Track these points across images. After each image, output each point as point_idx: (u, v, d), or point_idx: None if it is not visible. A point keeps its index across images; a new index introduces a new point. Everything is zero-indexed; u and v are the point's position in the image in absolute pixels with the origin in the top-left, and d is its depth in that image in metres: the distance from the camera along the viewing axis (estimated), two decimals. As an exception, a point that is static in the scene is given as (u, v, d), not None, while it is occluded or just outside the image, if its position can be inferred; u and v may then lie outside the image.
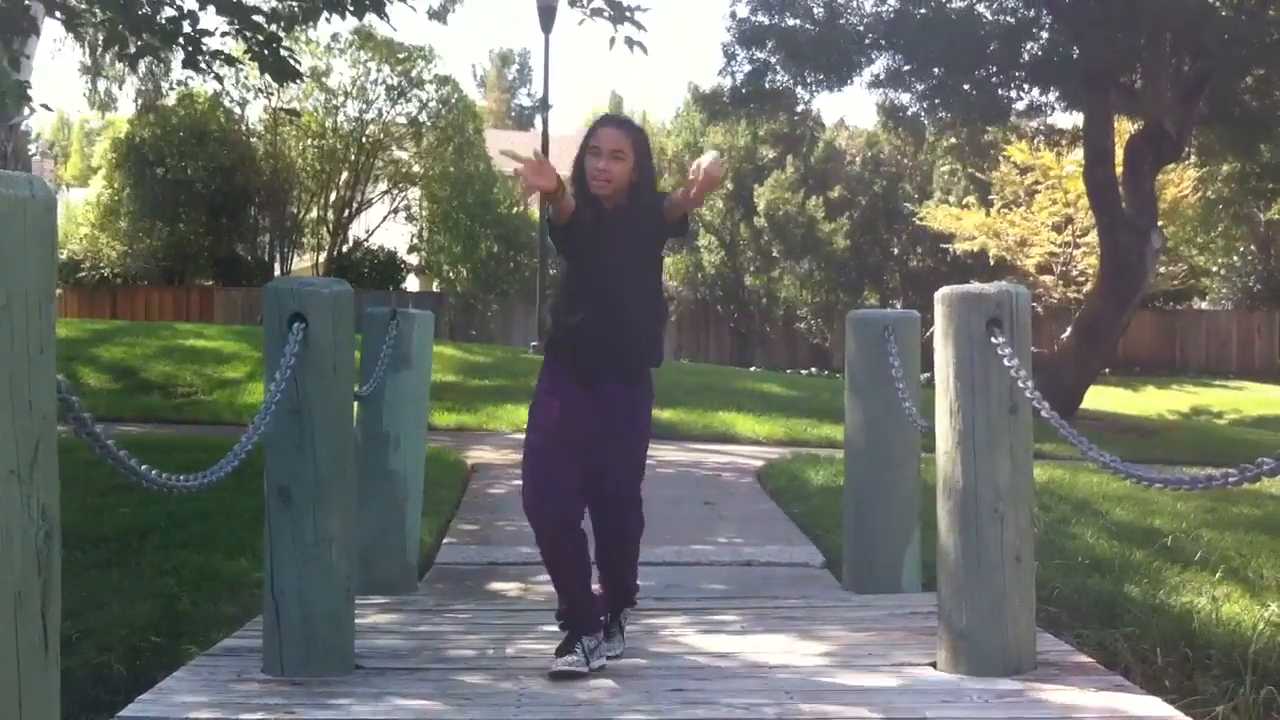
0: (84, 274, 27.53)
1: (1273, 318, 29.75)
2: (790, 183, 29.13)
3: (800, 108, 16.84)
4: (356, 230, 29.70)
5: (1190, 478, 2.99)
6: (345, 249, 28.89)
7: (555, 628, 4.35)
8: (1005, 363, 3.70)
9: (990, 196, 26.20)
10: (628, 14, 10.19)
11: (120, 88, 27.95)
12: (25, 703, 2.13)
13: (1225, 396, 24.40)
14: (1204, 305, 32.60)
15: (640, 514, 4.20)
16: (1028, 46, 14.55)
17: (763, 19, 14.88)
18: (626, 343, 4.02)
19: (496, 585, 5.73)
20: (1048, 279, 24.89)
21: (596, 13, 10.19)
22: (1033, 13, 14.49)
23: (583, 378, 4.01)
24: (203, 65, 10.26)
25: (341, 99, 28.03)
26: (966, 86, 14.25)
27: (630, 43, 10.19)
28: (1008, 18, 14.64)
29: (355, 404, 4.44)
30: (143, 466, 2.67)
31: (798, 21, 14.72)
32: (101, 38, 10.53)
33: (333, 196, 28.81)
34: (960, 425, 3.84)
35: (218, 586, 5.22)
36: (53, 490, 2.21)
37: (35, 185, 2.17)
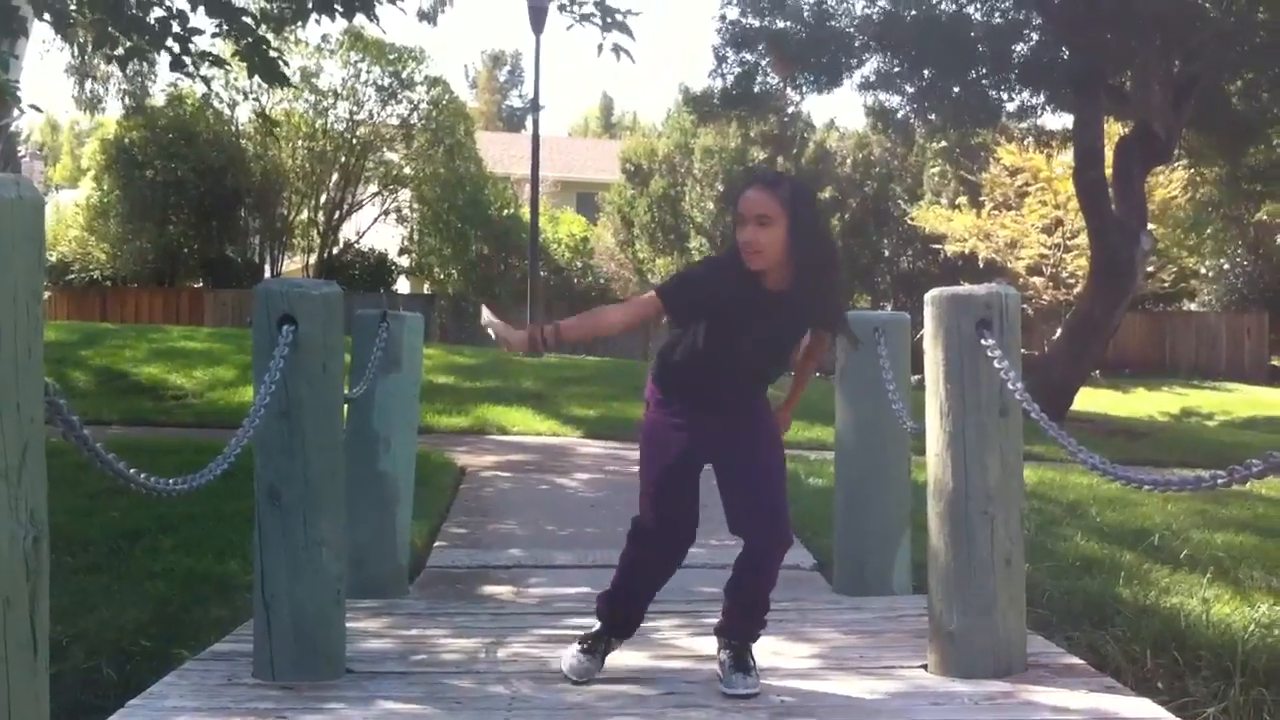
0: (73, 276, 27.51)
1: (1262, 319, 29.81)
2: (781, 184, 29.15)
3: (790, 109, 16.89)
4: (347, 232, 29.70)
5: (1179, 479, 2.99)
6: (336, 251, 28.88)
7: (547, 631, 4.37)
8: (995, 364, 3.70)
9: (980, 198, 26.27)
10: (616, 17, 10.18)
11: (105, 90, 27.94)
12: (14, 707, 2.12)
13: (1214, 398, 24.46)
14: (1193, 307, 32.67)
15: (782, 554, 3.84)
16: (1017, 48, 14.59)
17: (753, 21, 14.91)
18: (748, 398, 3.83)
19: (488, 588, 5.72)
20: (1038, 281, 24.95)
21: (585, 18, 10.17)
22: (1022, 14, 14.52)
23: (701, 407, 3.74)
24: (189, 67, 10.24)
25: (332, 100, 28.04)
26: (956, 88, 14.30)
27: (618, 51, 10.18)
28: (997, 19, 14.67)
29: (345, 406, 4.43)
30: (131, 470, 2.66)
31: (788, 24, 14.75)
32: (90, 39, 10.50)
33: (323, 198, 28.80)
34: (950, 427, 3.84)
35: (208, 590, 5.21)
36: (41, 493, 2.20)
37: (23, 186, 2.16)
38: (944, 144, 24.52)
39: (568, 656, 3.89)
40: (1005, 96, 14.91)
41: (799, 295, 3.61)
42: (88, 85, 27.76)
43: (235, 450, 3.32)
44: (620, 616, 3.92)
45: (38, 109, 11.11)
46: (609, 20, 10.03)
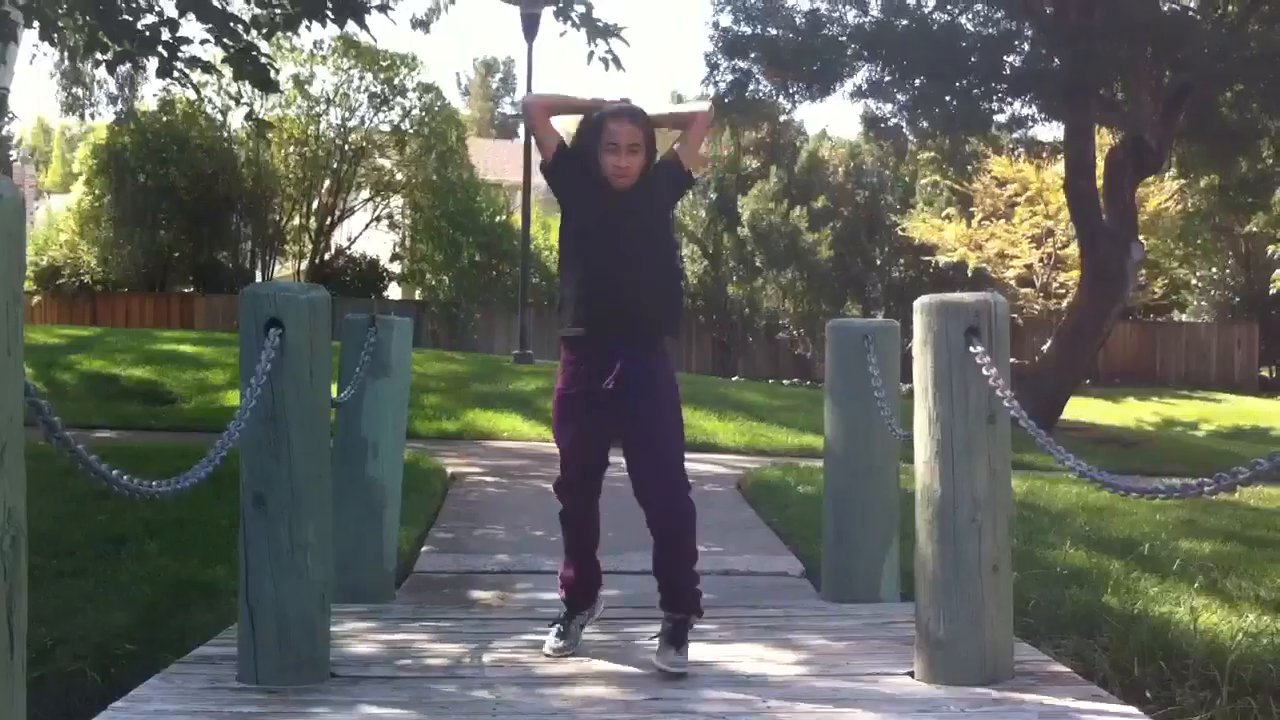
0: (64, 280, 27.42)
1: (1252, 330, 29.89)
2: (774, 193, 29.17)
3: (783, 118, 16.90)
4: (339, 238, 29.64)
5: (1166, 487, 2.99)
6: (327, 257, 28.83)
7: (532, 636, 4.37)
8: (984, 372, 3.70)
9: (971, 209, 26.30)
10: (609, 31, 10.20)
11: (91, 97, 27.87)
12: (-9, 709, 2.11)
13: (1204, 408, 24.50)
14: (1184, 318, 32.74)
15: (690, 499, 4.14)
16: (1009, 58, 14.59)
17: (745, 29, 14.90)
18: (639, 307, 4.06)
19: (474, 593, 5.71)
20: (1028, 291, 24.99)
21: (578, 24, 10.18)
22: (1014, 25, 14.53)
23: (599, 354, 4.03)
24: (177, 73, 10.23)
25: (324, 106, 28.00)
26: (948, 98, 14.29)
27: (606, 61, 10.19)
28: (989, 29, 14.68)
29: (333, 411, 4.42)
30: (114, 472, 2.64)
31: (780, 32, 14.74)
32: (81, 42, 10.48)
33: (315, 204, 28.75)
34: (939, 434, 3.83)
35: (193, 594, 5.18)
36: (20, 494, 2.18)
37: (3, 186, 2.15)
38: (934, 154, 24.52)
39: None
40: (997, 106, 14.91)
41: (645, 189, 4.10)
42: (77, 91, 27.68)
43: (220, 454, 3.30)
44: (576, 583, 4.31)
45: (16, 117, 11.11)
46: (597, 28, 10.06)
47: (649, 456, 4.09)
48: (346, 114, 28.20)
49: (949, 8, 14.85)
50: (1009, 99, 14.83)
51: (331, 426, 4.23)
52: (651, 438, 4.09)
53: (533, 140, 18.13)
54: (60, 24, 10.42)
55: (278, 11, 10.66)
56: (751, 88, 15.22)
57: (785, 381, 25.51)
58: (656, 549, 4.16)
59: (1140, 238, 14.90)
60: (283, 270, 29.94)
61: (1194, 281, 31.58)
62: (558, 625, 4.27)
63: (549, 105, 4.26)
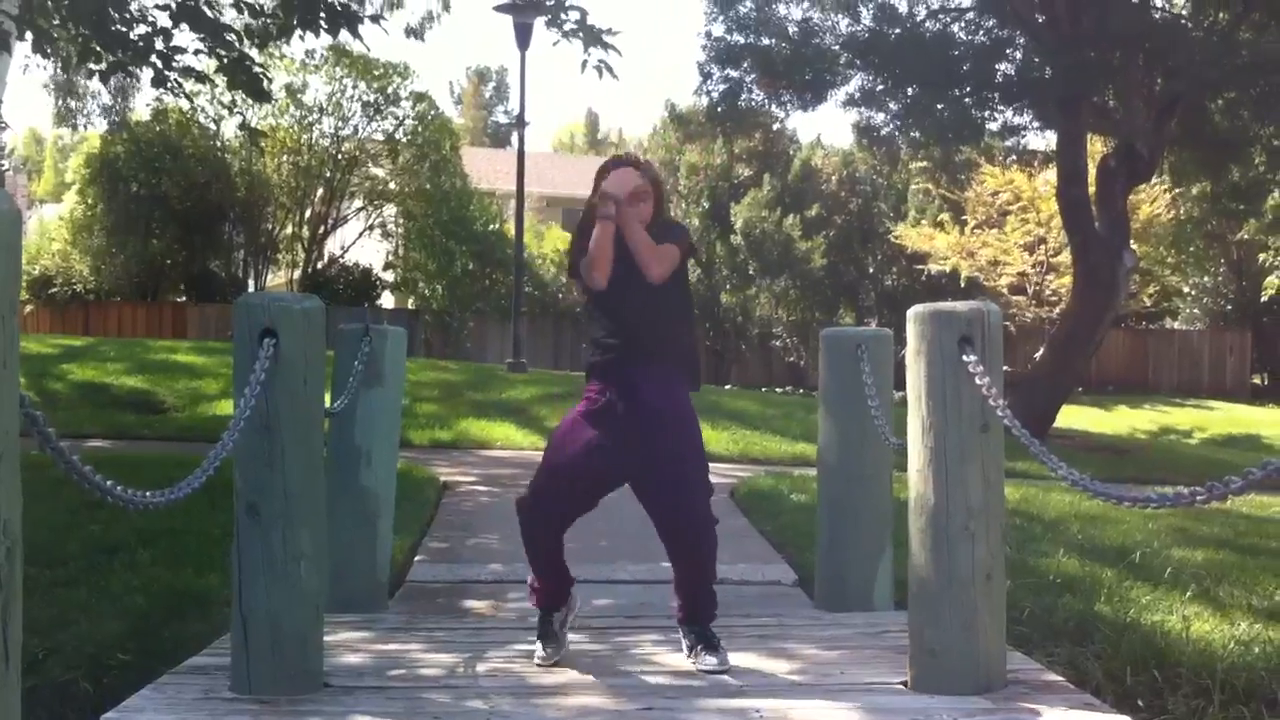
0: (56, 290, 27.38)
1: (1244, 337, 29.95)
2: (767, 201, 29.19)
3: (775, 126, 16.91)
4: (332, 247, 29.62)
5: (1159, 495, 2.99)
6: (320, 265, 28.80)
7: (525, 646, 4.37)
8: (977, 380, 3.70)
9: (963, 217, 26.34)
10: (603, 36, 10.20)
11: (85, 108, 27.85)
12: (-15, 721, 2.11)
13: (1197, 416, 24.55)
14: (1176, 325, 32.79)
15: (713, 532, 4.22)
16: (1001, 67, 14.63)
17: (738, 38, 14.93)
18: (658, 336, 4.20)
19: (468, 603, 5.71)
20: (1020, 299, 25.03)
21: (571, 33, 10.18)
22: (1006, 33, 14.57)
23: (620, 381, 4.13)
24: (171, 84, 10.24)
25: (317, 115, 27.98)
26: (940, 106, 14.32)
27: (601, 68, 10.20)
28: (981, 38, 14.71)
29: (327, 420, 4.42)
30: (108, 482, 2.64)
31: (772, 41, 14.77)
32: (75, 52, 10.48)
33: (308, 213, 28.72)
34: (932, 443, 3.84)
35: (187, 604, 5.17)
36: (15, 506, 2.18)
37: (0, 198, 2.15)
38: (926, 164, 24.56)
39: (536, 650, 4.27)
40: (989, 115, 14.94)
41: (657, 238, 4.17)
42: (70, 101, 27.64)
43: (214, 463, 3.30)
44: (544, 588, 4.33)
45: (9, 127, 11.11)
46: (593, 34, 10.06)
47: (669, 487, 4.15)
48: (339, 123, 28.18)
49: (941, 17, 14.89)
50: (1001, 107, 14.87)
51: (325, 435, 4.23)
52: (672, 465, 4.14)
53: (524, 152, 17.99)
54: (54, 35, 10.41)
55: (270, 21, 10.67)
56: (744, 97, 15.24)
57: (778, 390, 25.53)
58: (679, 574, 4.26)
59: (1132, 245, 14.94)
60: (275, 279, 29.90)
61: (1186, 289, 31.65)
62: (540, 632, 4.31)
63: (608, 257, 4.15)
